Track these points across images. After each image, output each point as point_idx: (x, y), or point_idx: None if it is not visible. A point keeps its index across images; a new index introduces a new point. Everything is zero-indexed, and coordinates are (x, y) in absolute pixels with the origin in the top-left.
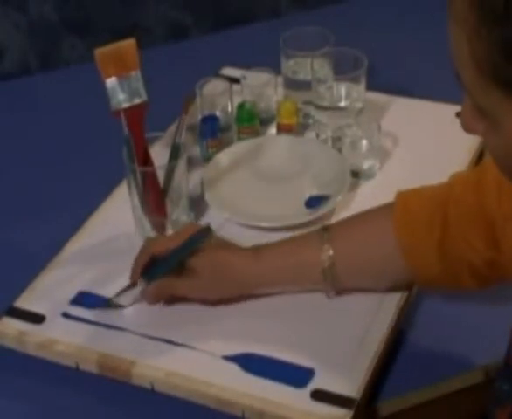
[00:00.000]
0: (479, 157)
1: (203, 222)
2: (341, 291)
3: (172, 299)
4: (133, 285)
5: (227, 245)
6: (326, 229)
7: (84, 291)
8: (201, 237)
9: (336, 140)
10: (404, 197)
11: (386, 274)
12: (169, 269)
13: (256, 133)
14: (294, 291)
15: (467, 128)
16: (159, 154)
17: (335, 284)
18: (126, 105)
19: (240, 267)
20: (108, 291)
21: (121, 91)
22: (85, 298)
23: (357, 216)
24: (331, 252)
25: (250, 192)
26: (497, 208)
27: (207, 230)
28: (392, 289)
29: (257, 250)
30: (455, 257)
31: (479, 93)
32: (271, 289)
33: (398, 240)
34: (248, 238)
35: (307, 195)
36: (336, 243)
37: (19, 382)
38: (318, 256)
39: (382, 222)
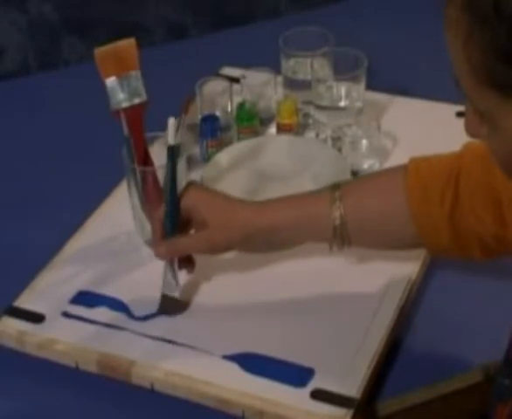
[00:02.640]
0: None
1: None
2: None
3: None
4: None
5: (224, 195)
6: (337, 187)
7: (84, 290)
8: (169, 158)
9: (336, 140)
10: (417, 164)
11: (397, 236)
12: (173, 215)
13: (256, 133)
14: (294, 243)
15: (471, 133)
16: (159, 154)
17: (345, 241)
18: (125, 104)
19: (244, 212)
20: (108, 291)
21: (120, 90)
22: (85, 298)
23: (369, 177)
24: (342, 210)
25: (249, 192)
26: (503, 188)
27: (169, 149)
28: (401, 249)
29: (261, 202)
30: (465, 229)
31: (477, 98)
32: (273, 236)
33: (410, 207)
34: None
35: None
36: (348, 202)
37: (19, 382)
38: (329, 212)
39: (394, 184)
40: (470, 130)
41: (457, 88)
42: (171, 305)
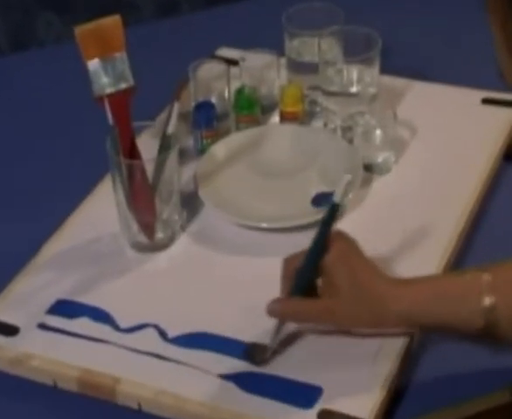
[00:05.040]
0: (507, 149)
1: (196, 221)
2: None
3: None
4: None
5: (365, 260)
6: (485, 270)
7: (62, 299)
8: (329, 217)
9: (347, 130)
10: None
11: None
12: (308, 274)
13: (256, 122)
14: (437, 330)
15: None
16: (147, 146)
17: (494, 331)
18: (110, 90)
19: (384, 288)
20: (90, 300)
21: (104, 74)
22: (64, 308)
23: None
24: (493, 298)
25: (249, 188)
26: None
27: (333, 207)
28: None
29: (403, 279)
30: None
31: None
32: (415, 322)
33: None
34: (247, 241)
35: (313, 192)
36: (501, 289)
37: None
38: (479, 297)
39: None
40: None
41: (502, 79)
42: (259, 353)
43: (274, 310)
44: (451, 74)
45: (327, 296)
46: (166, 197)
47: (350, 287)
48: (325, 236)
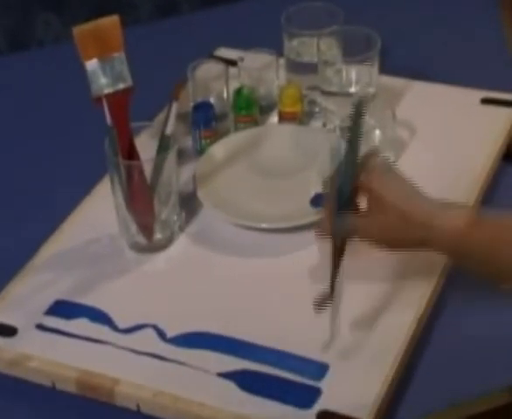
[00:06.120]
0: (507, 149)
1: (195, 222)
2: None
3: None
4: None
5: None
6: None
7: (61, 299)
8: (358, 115)
9: (346, 131)
10: None
11: None
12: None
13: (255, 123)
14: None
15: None
16: (146, 146)
17: None
18: (108, 90)
19: (447, 222)
20: (88, 300)
21: (102, 75)
22: (62, 308)
23: None
24: None
25: (248, 189)
26: None
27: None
28: None
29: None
30: None
31: None
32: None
33: None
34: (246, 241)
35: (312, 193)
36: None
37: None
38: None
39: None
40: None
41: None
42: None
43: (324, 228)
44: (450, 74)
45: (374, 211)
46: (165, 198)
47: (398, 200)
48: (358, 137)
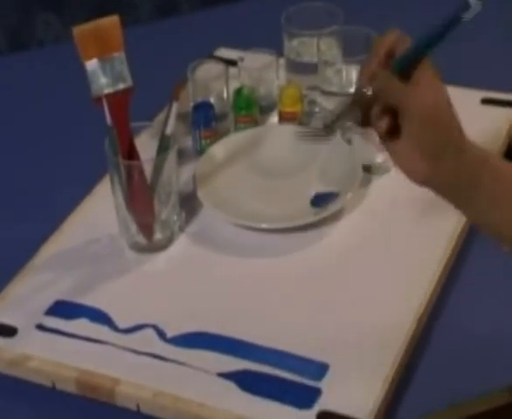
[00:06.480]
0: (507, 149)
1: (195, 222)
2: None
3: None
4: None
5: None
6: None
7: (61, 300)
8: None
9: (346, 131)
10: None
11: None
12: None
13: (255, 123)
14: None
15: None
16: (146, 146)
17: None
18: (108, 90)
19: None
20: (88, 300)
21: (102, 75)
22: (62, 308)
23: None
24: None
25: (248, 189)
26: None
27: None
28: None
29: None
30: None
31: None
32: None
33: None
34: (246, 241)
35: (312, 193)
36: None
37: None
38: None
39: None
40: None
41: None
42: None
43: (380, 79)
44: (450, 74)
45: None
46: (165, 198)
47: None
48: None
